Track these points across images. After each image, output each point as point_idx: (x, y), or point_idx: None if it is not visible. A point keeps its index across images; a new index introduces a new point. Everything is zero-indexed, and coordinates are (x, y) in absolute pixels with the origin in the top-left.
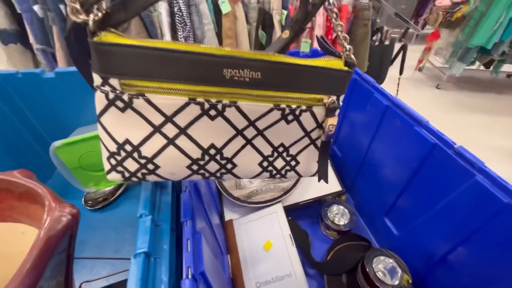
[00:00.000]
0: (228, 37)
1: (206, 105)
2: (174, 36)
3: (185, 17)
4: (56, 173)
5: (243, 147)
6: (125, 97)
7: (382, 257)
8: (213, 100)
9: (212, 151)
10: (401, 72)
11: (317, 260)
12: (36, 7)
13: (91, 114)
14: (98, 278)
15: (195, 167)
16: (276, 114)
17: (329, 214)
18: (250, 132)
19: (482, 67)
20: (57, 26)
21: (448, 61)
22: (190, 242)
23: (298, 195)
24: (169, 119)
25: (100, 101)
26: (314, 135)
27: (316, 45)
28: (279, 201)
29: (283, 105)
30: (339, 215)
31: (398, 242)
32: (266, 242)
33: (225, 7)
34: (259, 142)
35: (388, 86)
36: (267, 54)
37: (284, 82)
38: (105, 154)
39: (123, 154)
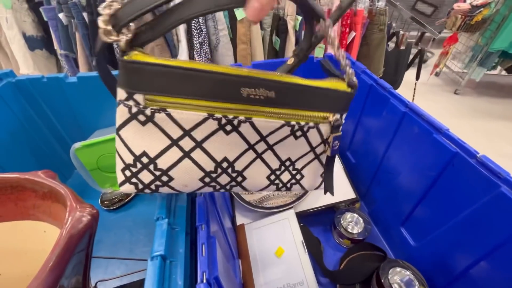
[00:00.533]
0: (242, 42)
1: (223, 121)
2: (190, 41)
3: (201, 23)
4: (75, 173)
5: (253, 160)
6: (148, 111)
7: (398, 269)
8: (230, 116)
9: (225, 164)
10: (417, 77)
11: (330, 269)
12: (61, 15)
13: (109, 117)
14: (113, 277)
15: (207, 179)
16: (286, 130)
17: (342, 222)
18: (261, 147)
19: (504, 72)
20: (79, 33)
21: (467, 65)
22: (205, 247)
23: (311, 202)
24: (187, 133)
25: (122, 114)
26: (318, 150)
27: (329, 51)
28: (291, 207)
29: (293, 122)
30: (352, 223)
31: (415, 253)
32: (278, 248)
33: (240, 13)
34: (268, 156)
35: (404, 91)
36: (281, 75)
37: (295, 101)
38: (119, 165)
39: (139, 166)
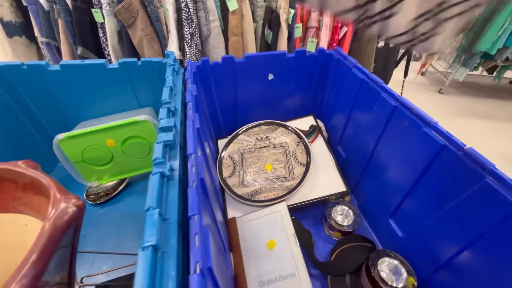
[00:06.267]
0: (234, 34)
1: None
2: (180, 32)
3: (191, 14)
4: (58, 166)
5: None
6: None
7: (387, 259)
8: None
9: None
10: (405, 75)
11: (321, 261)
12: (42, 0)
13: (94, 108)
14: (100, 272)
15: None
16: None
17: (333, 214)
18: None
19: (485, 73)
20: (62, 19)
21: (451, 65)
22: (198, 237)
23: (302, 195)
24: None
25: None
26: None
27: (322, 45)
28: (283, 200)
29: None
30: (342, 216)
31: (403, 244)
32: (269, 241)
33: (232, 5)
34: None
35: (392, 88)
36: None
37: None
38: None
39: None
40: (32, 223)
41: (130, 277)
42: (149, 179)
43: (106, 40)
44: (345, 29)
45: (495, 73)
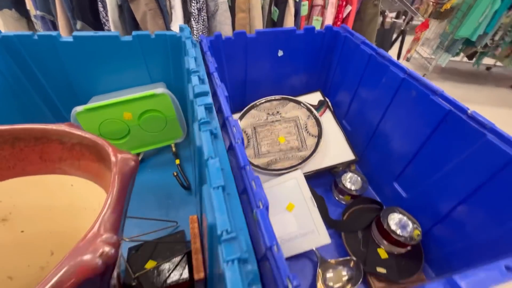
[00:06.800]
0: (241, 10)
1: None
2: (186, 7)
3: None
4: None
5: None
6: None
7: (395, 214)
8: None
9: None
10: (398, 57)
11: (335, 219)
12: None
13: (105, 83)
14: (138, 235)
15: None
16: None
17: (343, 180)
18: None
19: (465, 59)
20: None
21: (434, 51)
22: (255, 182)
23: (315, 164)
24: None
25: None
26: None
27: (327, 23)
28: (298, 168)
29: None
30: (351, 182)
31: (406, 203)
32: (288, 204)
33: None
34: None
35: None
36: None
37: None
38: None
39: None
40: (78, 184)
41: (156, 245)
42: (196, 137)
43: (106, 15)
44: (349, 8)
45: (474, 59)
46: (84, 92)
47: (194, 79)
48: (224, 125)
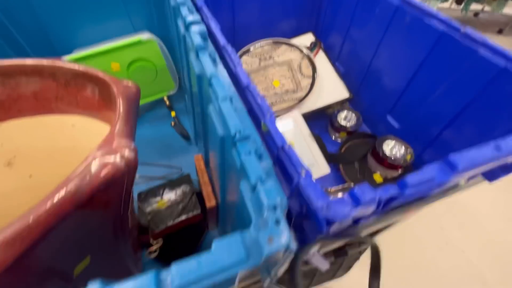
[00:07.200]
0: None
1: None
2: None
3: None
4: None
5: None
6: None
7: (389, 141)
8: None
9: None
10: None
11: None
12: None
13: (85, 35)
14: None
15: None
16: None
17: (338, 118)
18: None
19: (454, 6)
20: None
21: None
22: (260, 98)
23: (310, 104)
24: None
25: None
26: None
27: None
28: (295, 109)
29: None
30: (346, 120)
31: (398, 133)
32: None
33: None
34: None
35: None
36: None
37: None
38: None
39: None
40: (80, 123)
41: (162, 190)
42: (195, 65)
43: None
44: None
45: (463, 4)
46: (64, 45)
47: (183, 10)
48: (222, 57)
